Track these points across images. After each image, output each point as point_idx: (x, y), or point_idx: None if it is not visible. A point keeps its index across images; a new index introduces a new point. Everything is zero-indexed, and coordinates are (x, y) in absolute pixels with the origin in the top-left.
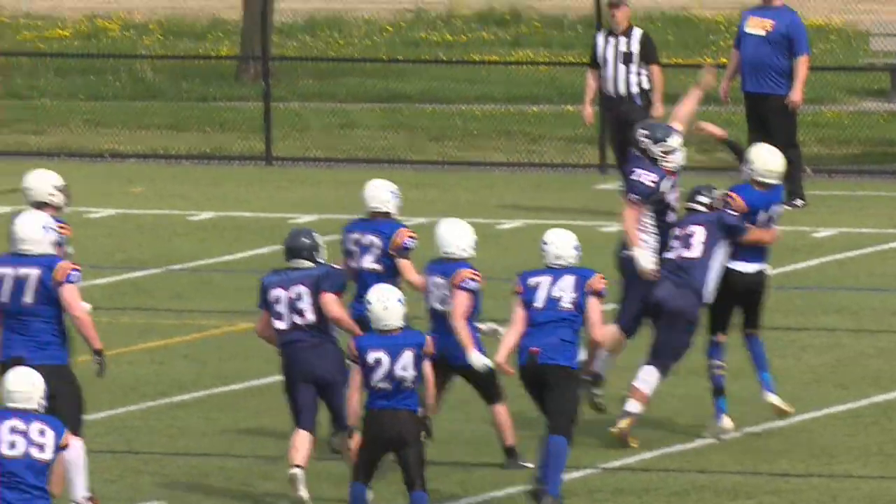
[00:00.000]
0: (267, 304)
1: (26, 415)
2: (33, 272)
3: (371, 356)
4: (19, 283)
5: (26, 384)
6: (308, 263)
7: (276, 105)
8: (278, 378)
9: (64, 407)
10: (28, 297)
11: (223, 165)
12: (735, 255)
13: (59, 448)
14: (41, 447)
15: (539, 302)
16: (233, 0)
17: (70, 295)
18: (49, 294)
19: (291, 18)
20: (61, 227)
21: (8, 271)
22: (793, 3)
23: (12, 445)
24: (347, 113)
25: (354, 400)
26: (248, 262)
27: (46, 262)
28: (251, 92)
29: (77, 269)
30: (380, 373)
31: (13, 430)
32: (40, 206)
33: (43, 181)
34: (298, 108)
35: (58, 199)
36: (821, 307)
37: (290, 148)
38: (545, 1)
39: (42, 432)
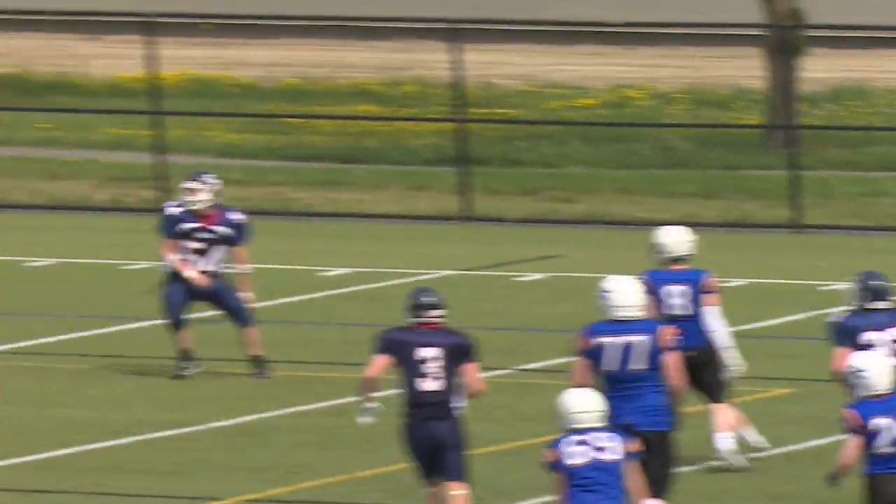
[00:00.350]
0: (855, 345)
1: (589, 430)
2: (641, 339)
3: (875, 422)
4: (626, 349)
5: (589, 403)
6: (888, 304)
7: (804, 173)
8: (818, 443)
9: (660, 470)
10: (638, 364)
11: (750, 233)
12: None
13: (628, 454)
14: (608, 450)
15: None
16: (755, 70)
17: (673, 362)
18: (656, 360)
19: (817, 88)
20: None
21: (613, 339)
22: None
23: (583, 454)
24: (875, 181)
25: (849, 467)
26: (781, 328)
27: (651, 328)
28: (777, 161)
29: (679, 335)
30: (885, 438)
31: (579, 444)
32: (675, 262)
33: (679, 237)
34: (826, 176)
35: (691, 252)
36: None
37: (818, 215)
38: None
39: (610, 438)
